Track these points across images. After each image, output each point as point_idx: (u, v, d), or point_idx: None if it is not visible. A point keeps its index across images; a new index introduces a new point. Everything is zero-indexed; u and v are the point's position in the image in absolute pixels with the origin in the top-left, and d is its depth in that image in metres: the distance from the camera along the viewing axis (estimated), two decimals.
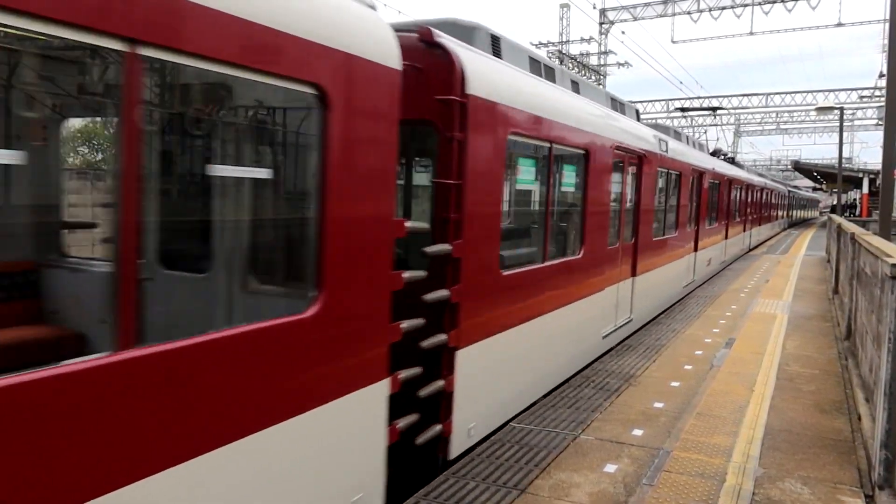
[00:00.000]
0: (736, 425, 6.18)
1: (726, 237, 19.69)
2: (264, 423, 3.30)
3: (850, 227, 12.28)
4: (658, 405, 6.69)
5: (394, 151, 4.17)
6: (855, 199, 60.93)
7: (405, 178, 5.89)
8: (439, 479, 4.86)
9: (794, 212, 59.40)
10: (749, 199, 24.60)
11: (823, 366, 8.46)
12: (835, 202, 53.30)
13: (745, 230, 24.01)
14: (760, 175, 36.75)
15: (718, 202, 17.80)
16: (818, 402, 6.95)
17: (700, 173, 14.93)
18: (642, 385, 7.37)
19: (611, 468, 5.16)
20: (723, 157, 22.56)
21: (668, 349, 9.08)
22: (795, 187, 67.25)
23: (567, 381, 7.62)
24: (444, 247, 4.97)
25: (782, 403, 6.88)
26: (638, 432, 5.93)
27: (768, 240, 33.60)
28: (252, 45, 3.08)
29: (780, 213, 42.24)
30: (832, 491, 4.87)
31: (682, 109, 24.30)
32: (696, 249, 15.05)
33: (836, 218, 20.98)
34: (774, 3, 31.88)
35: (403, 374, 4.38)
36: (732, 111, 52.20)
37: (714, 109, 24.73)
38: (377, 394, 4.11)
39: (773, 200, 36.24)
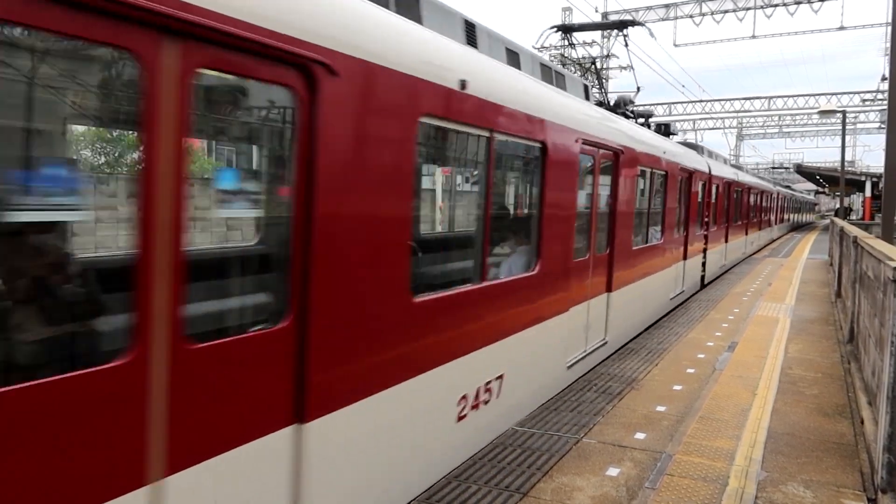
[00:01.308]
0: (738, 429, 6.17)
1: (610, 288, 8.97)
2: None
3: (853, 230, 12.27)
4: (660, 409, 6.69)
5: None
6: (849, 205, 57.32)
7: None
8: (441, 483, 4.86)
9: (790, 215, 49.61)
10: (700, 200, 15.01)
11: (826, 369, 8.45)
12: (836, 205, 53.15)
13: (685, 256, 13.77)
14: (735, 167, 26.17)
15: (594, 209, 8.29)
16: (821, 406, 6.94)
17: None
18: (645, 389, 7.37)
19: (613, 472, 5.16)
20: (644, 121, 13.57)
21: (671, 353, 9.08)
22: (786, 185, 56.40)
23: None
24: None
25: (785, 407, 6.87)
26: (640, 436, 5.93)
27: (738, 263, 22.10)
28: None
29: (766, 220, 31.29)
30: (835, 494, 4.87)
31: (563, 28, 14.02)
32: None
33: (839, 221, 20.93)
34: (776, 6, 31.90)
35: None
36: (734, 114, 52.20)
37: (620, 26, 14.33)
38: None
39: (753, 201, 25.05)
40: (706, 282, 16.74)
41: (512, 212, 7.47)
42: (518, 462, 5.28)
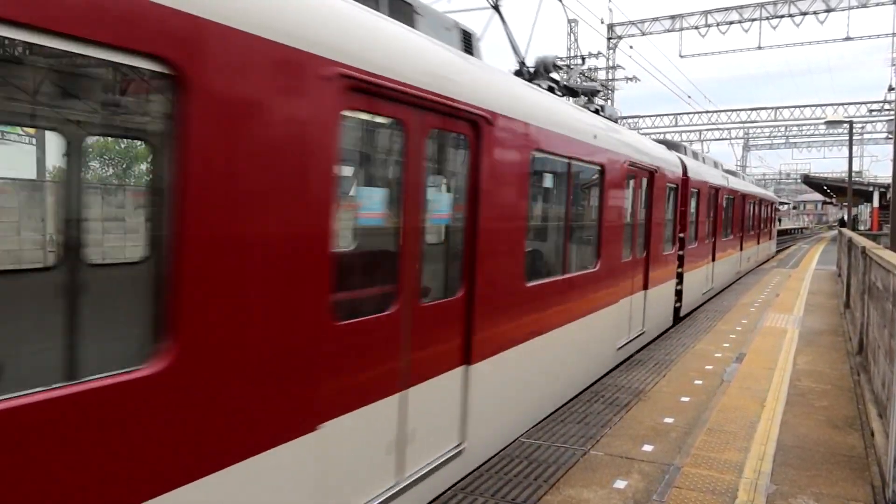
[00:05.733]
0: (747, 441, 6.13)
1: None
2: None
3: (862, 241, 12.21)
4: (668, 420, 6.65)
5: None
6: (856, 215, 53.57)
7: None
8: (448, 495, 4.84)
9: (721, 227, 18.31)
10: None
11: (835, 381, 8.39)
12: (842, 216, 52.75)
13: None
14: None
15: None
16: (830, 418, 6.88)
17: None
18: (652, 400, 7.33)
19: (621, 484, 5.12)
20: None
21: (678, 364, 9.03)
22: (728, 170, 20.41)
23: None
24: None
25: (794, 419, 6.82)
26: (648, 448, 5.89)
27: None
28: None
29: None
30: None
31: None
32: None
33: (847, 232, 20.82)
34: (782, 17, 31.93)
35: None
36: (740, 125, 52.15)
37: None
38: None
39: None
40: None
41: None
42: (525, 474, 5.25)
